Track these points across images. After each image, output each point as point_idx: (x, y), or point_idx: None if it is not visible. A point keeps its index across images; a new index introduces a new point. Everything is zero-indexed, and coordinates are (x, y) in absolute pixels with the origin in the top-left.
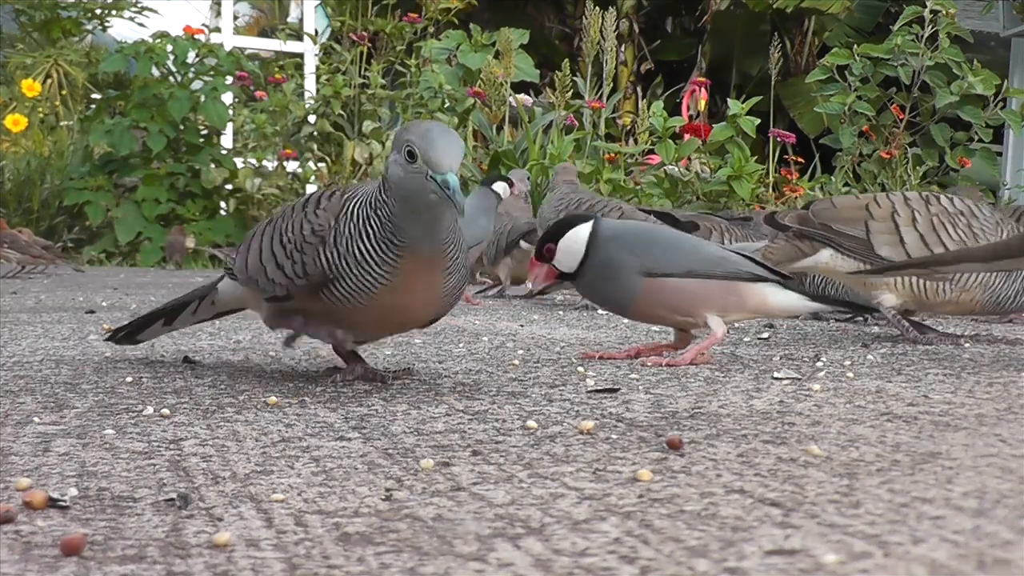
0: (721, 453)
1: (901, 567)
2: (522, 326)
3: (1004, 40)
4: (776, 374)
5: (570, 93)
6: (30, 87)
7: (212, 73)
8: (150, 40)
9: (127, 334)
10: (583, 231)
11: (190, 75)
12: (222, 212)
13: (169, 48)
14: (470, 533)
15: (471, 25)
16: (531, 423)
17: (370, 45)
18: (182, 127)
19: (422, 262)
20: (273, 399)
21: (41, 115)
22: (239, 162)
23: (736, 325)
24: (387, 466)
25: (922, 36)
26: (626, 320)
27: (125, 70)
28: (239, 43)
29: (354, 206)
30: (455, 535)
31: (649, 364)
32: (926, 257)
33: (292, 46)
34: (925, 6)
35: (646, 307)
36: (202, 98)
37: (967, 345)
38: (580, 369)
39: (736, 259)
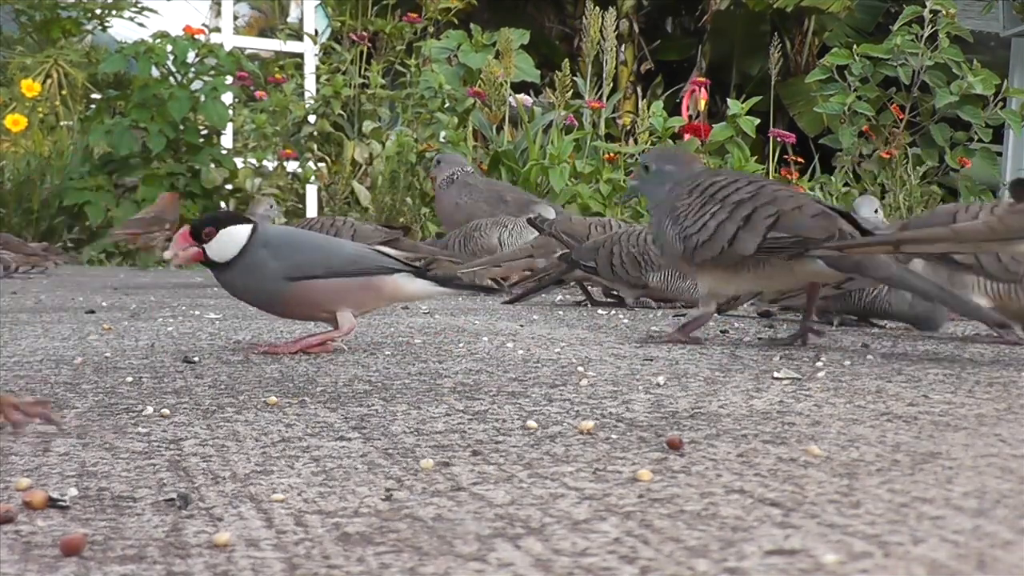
0: (721, 453)
1: (901, 567)
2: (522, 326)
3: (1004, 40)
4: (776, 374)
5: (570, 93)
6: (30, 87)
7: (212, 73)
8: (150, 40)
9: None
10: (244, 232)
11: (190, 75)
12: None
13: (169, 48)
14: (470, 533)
15: (471, 25)
16: (531, 423)
17: (370, 45)
18: (182, 127)
19: None
20: (273, 399)
21: (41, 115)
22: (239, 162)
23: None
24: (387, 466)
25: (922, 36)
26: (625, 320)
27: (125, 70)
28: (239, 43)
29: None
30: (455, 535)
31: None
32: (897, 235)
33: (292, 46)
34: (925, 6)
35: (292, 307)
36: (202, 98)
37: (967, 345)
38: (580, 369)
39: (372, 256)
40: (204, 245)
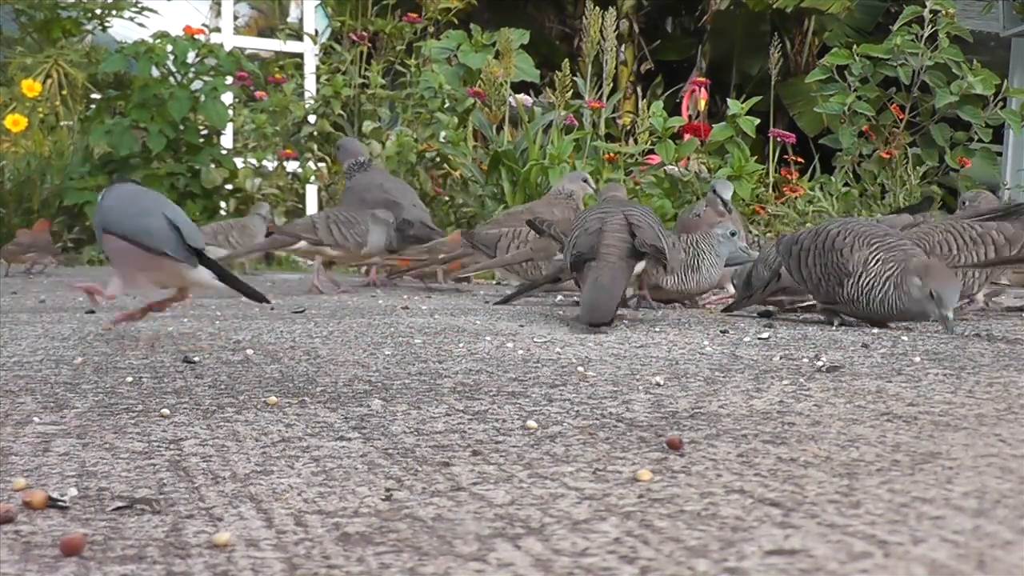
0: (721, 453)
1: (901, 567)
2: (522, 326)
3: (1004, 40)
4: (776, 374)
5: (570, 93)
6: (30, 87)
7: (212, 73)
8: (150, 40)
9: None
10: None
11: (190, 75)
12: (222, 212)
13: (169, 48)
14: (470, 533)
15: (471, 25)
16: (531, 423)
17: (370, 45)
18: (182, 127)
19: None
20: (273, 399)
21: (41, 115)
22: (239, 162)
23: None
24: (387, 466)
25: (922, 36)
26: (627, 319)
27: (125, 70)
28: (239, 43)
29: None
30: (455, 535)
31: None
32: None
33: (292, 46)
34: (925, 6)
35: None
36: (202, 98)
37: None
38: (580, 369)
39: (166, 238)
40: None
